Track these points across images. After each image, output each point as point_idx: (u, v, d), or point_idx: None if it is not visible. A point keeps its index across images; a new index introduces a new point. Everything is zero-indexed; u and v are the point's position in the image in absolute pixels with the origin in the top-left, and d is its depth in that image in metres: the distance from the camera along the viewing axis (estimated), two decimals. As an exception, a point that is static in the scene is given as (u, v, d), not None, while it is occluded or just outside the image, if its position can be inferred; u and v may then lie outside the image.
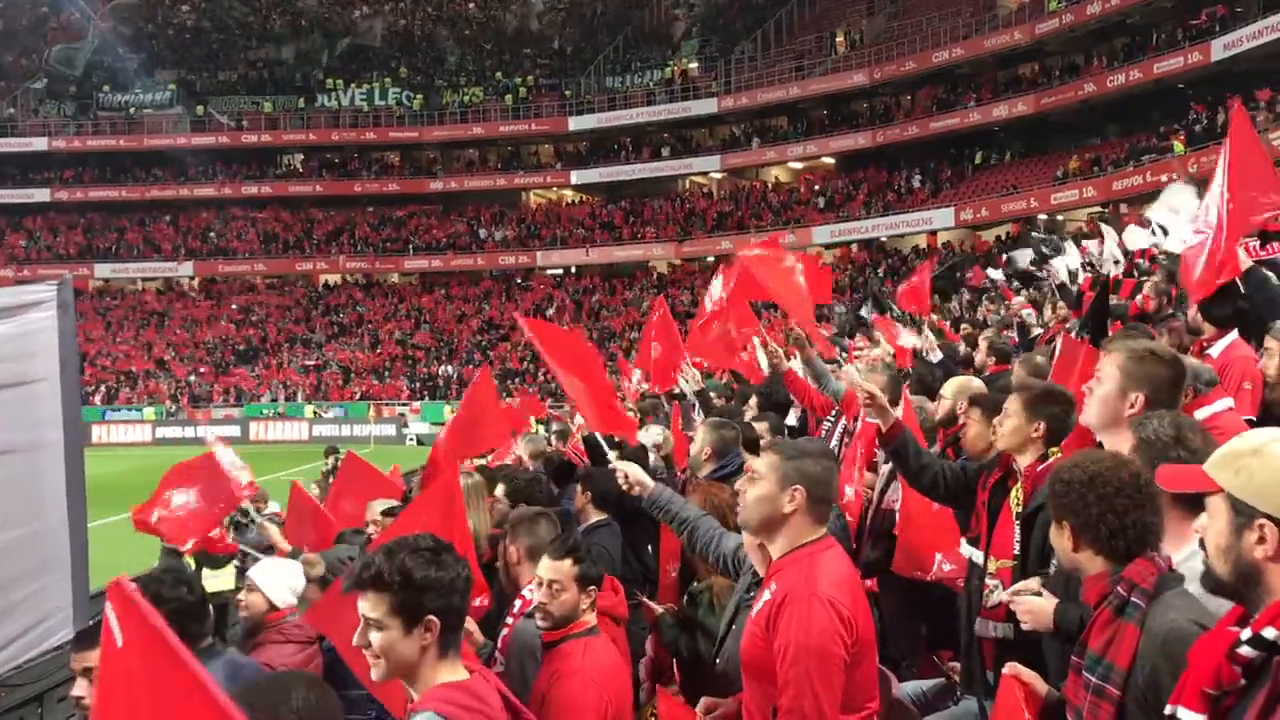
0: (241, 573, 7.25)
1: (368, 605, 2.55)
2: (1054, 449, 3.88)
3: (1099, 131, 38.18)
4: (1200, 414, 4.32)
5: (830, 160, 47.03)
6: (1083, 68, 37.93)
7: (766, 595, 3.11)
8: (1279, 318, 5.20)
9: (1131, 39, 36.61)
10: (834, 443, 6.32)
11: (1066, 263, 16.48)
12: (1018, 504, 3.90)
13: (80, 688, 3.33)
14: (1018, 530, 3.86)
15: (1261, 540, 2.02)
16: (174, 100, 54.12)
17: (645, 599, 4.82)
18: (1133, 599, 2.44)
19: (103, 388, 44.83)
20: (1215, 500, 2.11)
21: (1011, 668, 2.83)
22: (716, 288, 8.72)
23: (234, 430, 41.36)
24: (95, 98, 54.43)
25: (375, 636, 2.55)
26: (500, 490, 5.87)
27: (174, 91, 54.41)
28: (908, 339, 9.35)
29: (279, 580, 5.01)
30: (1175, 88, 34.21)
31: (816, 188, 46.33)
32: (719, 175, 49.95)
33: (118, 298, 51.92)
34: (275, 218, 52.91)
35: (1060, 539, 2.65)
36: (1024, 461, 3.97)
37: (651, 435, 7.33)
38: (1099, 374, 3.51)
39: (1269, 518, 2.02)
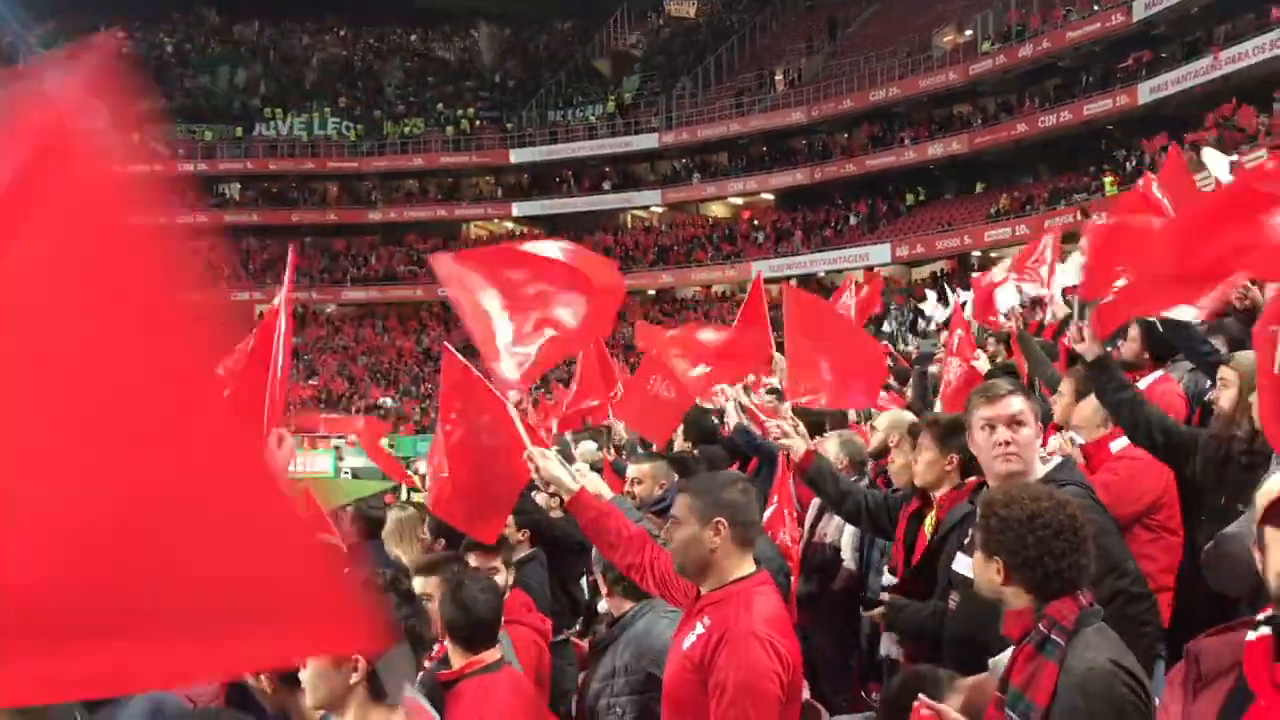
0: None
1: None
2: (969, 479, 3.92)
3: (1031, 170, 39.00)
4: (1116, 444, 4.40)
5: (769, 196, 47.48)
6: (1015, 108, 38.77)
7: (699, 629, 3.05)
8: (1196, 354, 5.28)
9: (1062, 81, 37.52)
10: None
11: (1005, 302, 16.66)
12: (930, 530, 3.95)
13: None
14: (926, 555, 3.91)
15: None
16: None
17: (574, 636, 4.75)
18: (1052, 636, 2.45)
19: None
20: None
21: (923, 700, 2.80)
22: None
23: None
24: (25, 124, 53.38)
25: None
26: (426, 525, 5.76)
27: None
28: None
29: None
30: (1104, 129, 35.10)
31: (756, 223, 46.75)
32: (660, 209, 50.21)
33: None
34: (211, 247, 52.09)
35: (988, 571, 2.60)
36: (939, 492, 4.00)
37: (584, 449, 7.28)
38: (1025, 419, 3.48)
39: None
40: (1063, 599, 2.50)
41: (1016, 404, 3.43)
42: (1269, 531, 2.11)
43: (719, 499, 3.13)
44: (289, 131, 54.22)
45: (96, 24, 58.89)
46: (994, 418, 3.42)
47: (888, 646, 3.93)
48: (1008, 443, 3.40)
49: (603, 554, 3.61)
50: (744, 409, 7.13)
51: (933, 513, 4.01)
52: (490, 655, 3.38)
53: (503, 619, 3.64)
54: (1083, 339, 4.12)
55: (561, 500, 5.71)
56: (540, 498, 5.76)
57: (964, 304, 14.19)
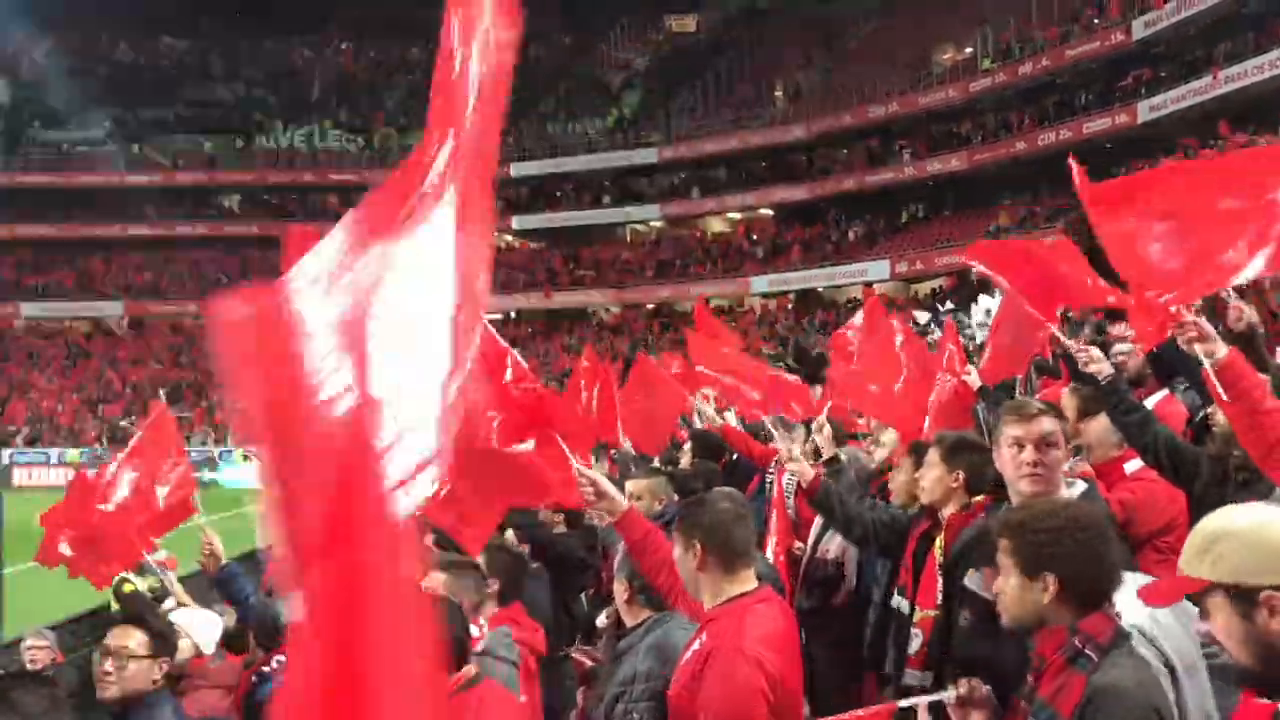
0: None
1: None
2: (976, 498, 3.89)
3: (1030, 187, 39.06)
4: (1130, 465, 4.39)
5: (768, 211, 47.57)
6: (1015, 126, 38.86)
7: (696, 645, 3.10)
8: (1189, 370, 5.28)
9: (1061, 99, 37.61)
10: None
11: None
12: (940, 554, 3.90)
13: None
14: (940, 581, 3.86)
15: (1274, 612, 1.92)
16: (108, 138, 53.26)
17: (575, 651, 4.73)
18: (1086, 650, 2.43)
19: (25, 429, 43.59)
20: (1212, 599, 2.00)
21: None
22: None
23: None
24: (26, 134, 53.40)
25: None
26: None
27: (109, 129, 53.55)
28: None
29: (204, 627, 4.97)
30: (1104, 147, 35.14)
31: (754, 238, 46.81)
32: (659, 223, 50.29)
33: (47, 338, 50.65)
34: (211, 258, 52.14)
35: (1030, 593, 2.49)
36: (946, 512, 3.98)
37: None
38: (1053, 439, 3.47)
39: (1272, 587, 1.92)
40: (1097, 614, 2.47)
41: (1048, 425, 3.43)
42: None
43: (695, 520, 3.18)
44: (289, 143, 54.29)
45: (100, 34, 59.14)
46: (1024, 437, 3.42)
47: (910, 678, 3.87)
48: (1035, 463, 3.38)
49: (643, 571, 3.64)
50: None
51: (941, 535, 3.97)
52: (470, 670, 3.38)
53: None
54: (1092, 360, 4.08)
55: (568, 518, 5.71)
56: (544, 514, 5.74)
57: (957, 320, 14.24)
